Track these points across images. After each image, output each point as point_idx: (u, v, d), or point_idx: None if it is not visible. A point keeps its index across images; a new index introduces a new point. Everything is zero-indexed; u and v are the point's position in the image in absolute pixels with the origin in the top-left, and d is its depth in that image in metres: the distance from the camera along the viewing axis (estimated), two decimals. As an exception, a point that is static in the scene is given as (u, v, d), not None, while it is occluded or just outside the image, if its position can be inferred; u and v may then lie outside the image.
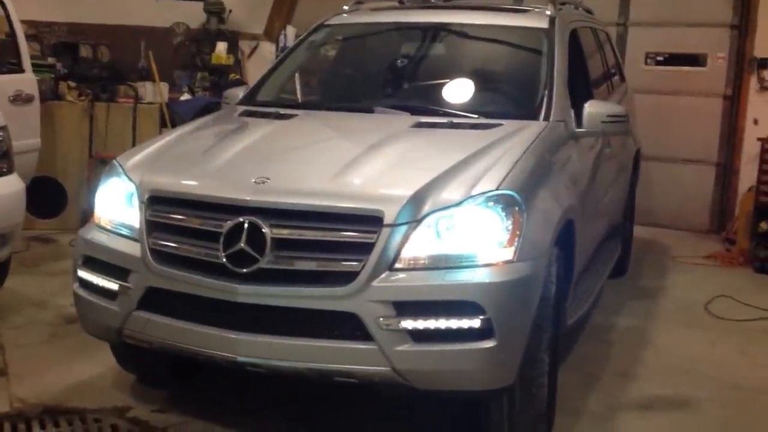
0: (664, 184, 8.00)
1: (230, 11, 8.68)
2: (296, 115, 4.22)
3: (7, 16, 6.16)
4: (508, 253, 3.03)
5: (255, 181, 3.15)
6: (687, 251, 7.20)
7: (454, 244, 3.02)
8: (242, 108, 4.46)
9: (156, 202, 3.28)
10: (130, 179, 3.42)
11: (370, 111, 4.19)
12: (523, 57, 4.68)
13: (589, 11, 5.87)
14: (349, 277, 2.95)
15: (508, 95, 4.45)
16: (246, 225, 3.02)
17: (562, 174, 3.79)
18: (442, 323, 2.92)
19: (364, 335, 2.95)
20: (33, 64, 6.50)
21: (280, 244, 3.00)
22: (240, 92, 4.74)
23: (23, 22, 6.53)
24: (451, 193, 3.07)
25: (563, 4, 5.06)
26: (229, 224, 3.05)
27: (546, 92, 4.12)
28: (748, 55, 7.48)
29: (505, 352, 3.00)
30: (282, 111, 4.27)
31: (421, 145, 3.64)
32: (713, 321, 5.43)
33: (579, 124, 4.11)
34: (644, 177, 7.06)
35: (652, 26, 8.02)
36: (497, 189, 3.10)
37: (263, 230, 3.00)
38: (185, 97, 7.95)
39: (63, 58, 7.46)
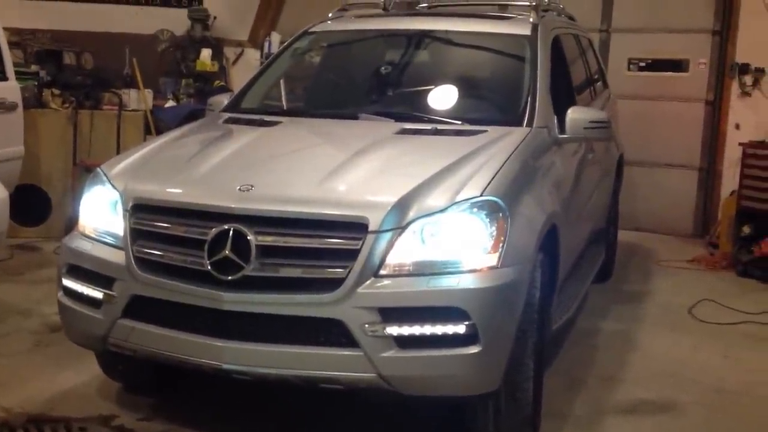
0: (647, 189, 8.05)
1: (215, 18, 8.68)
2: (281, 122, 4.23)
3: (-10, 23, 6.14)
4: (493, 259, 3.05)
5: (240, 189, 3.15)
6: (671, 255, 7.25)
7: (439, 251, 3.03)
8: (227, 115, 4.46)
9: (140, 209, 3.28)
10: (114, 187, 3.42)
11: (354, 118, 4.20)
12: (507, 64, 4.71)
13: (571, 18, 5.91)
14: (334, 283, 2.96)
15: (491, 102, 4.48)
16: (231, 232, 3.03)
17: (546, 180, 3.82)
18: (428, 329, 2.94)
19: (350, 342, 2.96)
20: (16, 72, 6.48)
21: (265, 251, 3.01)
22: (225, 99, 4.74)
23: (6, 29, 6.51)
24: (435, 199, 3.09)
25: (546, 11, 5.09)
26: (213, 232, 3.05)
27: (529, 99, 4.14)
28: (730, 61, 7.55)
29: (490, 358, 3.02)
30: (267, 118, 4.28)
31: (406, 152, 3.65)
32: (697, 325, 5.47)
33: (562, 130, 4.13)
34: (628, 182, 7.11)
35: (634, 32, 8.08)
36: (481, 195, 3.12)
37: (248, 237, 3.00)
38: (170, 104, 7.94)
39: (47, 65, 7.44)
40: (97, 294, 3.30)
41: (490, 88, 4.62)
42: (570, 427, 3.81)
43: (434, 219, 3.04)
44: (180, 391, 4.05)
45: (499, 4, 5.74)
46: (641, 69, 8.09)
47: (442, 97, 4.38)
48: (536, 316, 3.37)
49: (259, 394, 3.93)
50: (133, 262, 3.20)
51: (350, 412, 3.81)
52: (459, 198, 3.09)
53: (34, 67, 7.39)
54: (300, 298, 2.98)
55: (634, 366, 4.64)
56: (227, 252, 3.01)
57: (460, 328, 2.93)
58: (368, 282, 2.96)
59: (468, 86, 4.56)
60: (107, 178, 3.49)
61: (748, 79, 7.44)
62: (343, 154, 3.52)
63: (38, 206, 6.98)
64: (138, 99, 7.48)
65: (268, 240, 3.02)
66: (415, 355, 2.95)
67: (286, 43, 5.21)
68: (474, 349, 2.95)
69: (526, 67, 4.36)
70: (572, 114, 4.14)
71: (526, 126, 3.98)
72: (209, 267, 3.03)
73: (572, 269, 4.66)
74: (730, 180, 7.44)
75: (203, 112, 5.13)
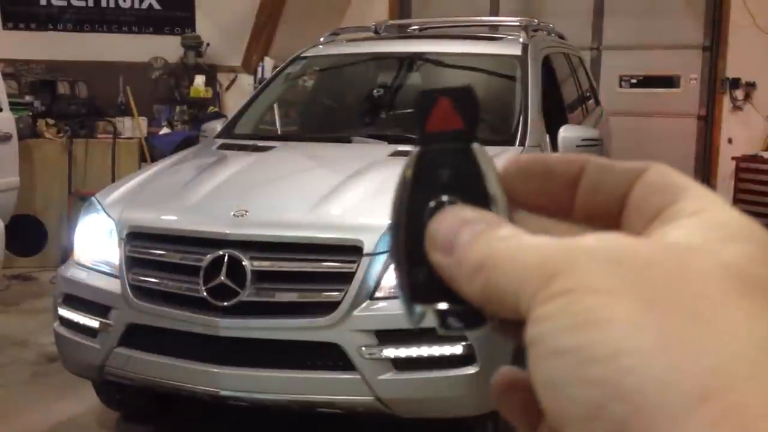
0: (642, 205, 8.05)
1: (208, 45, 8.72)
2: (274, 146, 4.24)
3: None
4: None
5: (234, 214, 3.16)
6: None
7: (434, 272, 3.03)
8: (221, 141, 4.47)
9: (135, 237, 3.29)
10: (109, 216, 3.42)
11: (347, 141, 4.22)
12: (498, 84, 4.74)
13: (561, 37, 5.95)
14: (330, 307, 2.96)
15: (483, 122, 4.47)
16: (226, 258, 3.03)
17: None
18: (425, 351, 2.94)
19: (347, 365, 2.96)
20: (10, 103, 6.49)
21: (261, 276, 3.01)
22: (218, 125, 4.76)
23: (0, 60, 6.54)
24: (429, 220, 3.09)
25: (536, 30, 5.13)
26: (209, 258, 3.06)
27: (521, 118, 4.17)
28: (721, 76, 7.60)
29: (487, 378, 3.00)
30: (260, 143, 4.29)
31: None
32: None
33: (554, 148, 4.15)
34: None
35: (625, 50, 8.13)
36: (475, 215, 3.13)
37: (243, 263, 3.01)
38: (164, 131, 7.95)
39: (41, 95, 7.45)
40: (93, 323, 3.30)
41: (482, 109, 4.61)
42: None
43: (429, 240, 3.04)
44: (179, 419, 4.03)
45: (489, 25, 5.77)
46: (633, 86, 8.14)
47: (435, 118, 4.39)
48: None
49: (257, 420, 3.91)
50: (128, 290, 3.20)
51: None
52: (453, 219, 3.10)
53: (28, 98, 7.41)
54: (296, 323, 2.99)
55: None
56: (222, 278, 3.01)
57: (457, 349, 2.93)
58: (364, 305, 2.96)
59: (460, 107, 4.58)
60: (102, 206, 3.50)
61: (740, 94, 7.49)
62: (336, 177, 3.54)
63: (34, 236, 6.97)
64: (132, 127, 7.50)
65: (264, 265, 3.02)
66: (412, 377, 2.95)
67: (279, 68, 5.24)
68: (471, 370, 2.95)
69: (517, 87, 4.39)
70: (564, 132, 4.17)
71: (518, 145, 4.00)
72: (205, 293, 3.03)
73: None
74: (724, 194, 7.45)
75: (197, 138, 5.15)
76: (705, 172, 7.89)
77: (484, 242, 0.35)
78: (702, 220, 0.34)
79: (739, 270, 0.32)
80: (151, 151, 7.38)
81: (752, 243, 0.33)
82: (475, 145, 0.37)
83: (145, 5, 8.66)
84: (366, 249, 2.98)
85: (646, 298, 0.30)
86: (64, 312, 3.45)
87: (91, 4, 8.50)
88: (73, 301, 3.42)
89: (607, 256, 0.32)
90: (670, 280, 0.31)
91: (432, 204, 0.36)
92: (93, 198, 3.63)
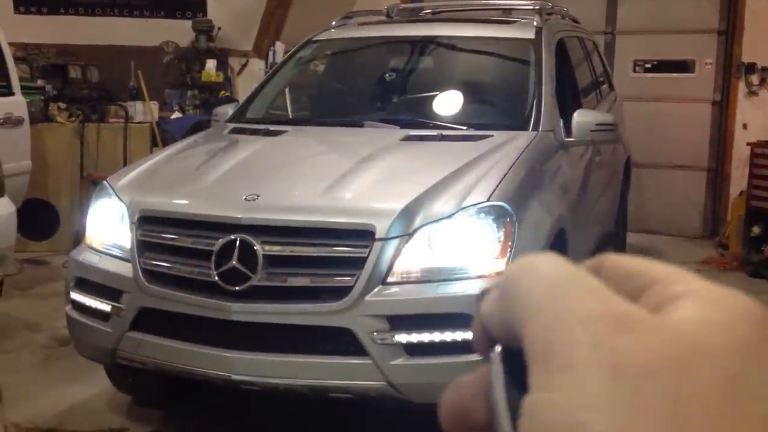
0: (656, 191, 8.01)
1: (219, 29, 8.70)
2: (286, 131, 4.23)
3: (-4, 39, 6.16)
4: (501, 264, 3.04)
5: (245, 199, 3.15)
6: (681, 257, 7.19)
7: (447, 257, 3.02)
8: (232, 125, 4.46)
9: (147, 221, 3.28)
10: (120, 199, 3.42)
11: (359, 125, 4.20)
12: (511, 68, 4.70)
13: (575, 20, 5.90)
14: (342, 292, 2.95)
15: (496, 106, 4.47)
16: (237, 242, 3.02)
17: (553, 184, 3.80)
18: (437, 336, 2.93)
19: (359, 350, 2.95)
20: (22, 87, 6.50)
21: (272, 260, 3.01)
22: (230, 110, 4.75)
23: (11, 44, 6.54)
24: (442, 205, 3.08)
25: (549, 14, 5.08)
26: (220, 242, 3.05)
27: (534, 102, 4.13)
28: (736, 61, 7.52)
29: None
30: (272, 127, 4.28)
31: (411, 159, 3.65)
32: (708, 326, 5.42)
33: (568, 133, 4.12)
34: (636, 184, 7.08)
35: (639, 34, 8.05)
36: (488, 200, 3.11)
37: (255, 247, 3.00)
38: (176, 115, 7.95)
39: (52, 79, 7.46)
40: (105, 307, 3.30)
41: (495, 93, 4.61)
42: None
43: (441, 225, 3.03)
44: (190, 403, 4.04)
45: (502, 9, 5.73)
46: (647, 70, 8.06)
47: (447, 102, 4.37)
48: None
49: (271, 406, 3.91)
50: (140, 274, 3.20)
51: (362, 423, 3.79)
52: (466, 203, 3.08)
53: (40, 82, 7.42)
54: (308, 307, 2.98)
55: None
56: (234, 262, 3.00)
57: (470, 335, 2.91)
58: (376, 290, 2.95)
59: (473, 91, 4.56)
60: (114, 190, 3.50)
61: (755, 79, 7.41)
62: (348, 161, 3.52)
63: (46, 220, 6.99)
64: (144, 111, 7.49)
65: (275, 249, 3.02)
66: (424, 363, 2.94)
67: (290, 52, 5.21)
68: (483, 355, 2.93)
69: (530, 71, 4.35)
70: (578, 117, 4.13)
71: (532, 130, 3.97)
72: (216, 278, 3.03)
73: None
74: (738, 180, 7.40)
75: (209, 122, 5.14)
76: (719, 158, 7.82)
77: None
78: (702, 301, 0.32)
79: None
80: (162, 136, 7.38)
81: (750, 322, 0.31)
82: None
83: (156, -11, 8.64)
84: (378, 234, 2.96)
85: (635, 420, 0.29)
86: (76, 296, 3.45)
87: (102, -13, 8.49)
88: (85, 285, 3.42)
89: (605, 359, 0.30)
90: (666, 402, 0.29)
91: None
92: (105, 182, 3.63)
